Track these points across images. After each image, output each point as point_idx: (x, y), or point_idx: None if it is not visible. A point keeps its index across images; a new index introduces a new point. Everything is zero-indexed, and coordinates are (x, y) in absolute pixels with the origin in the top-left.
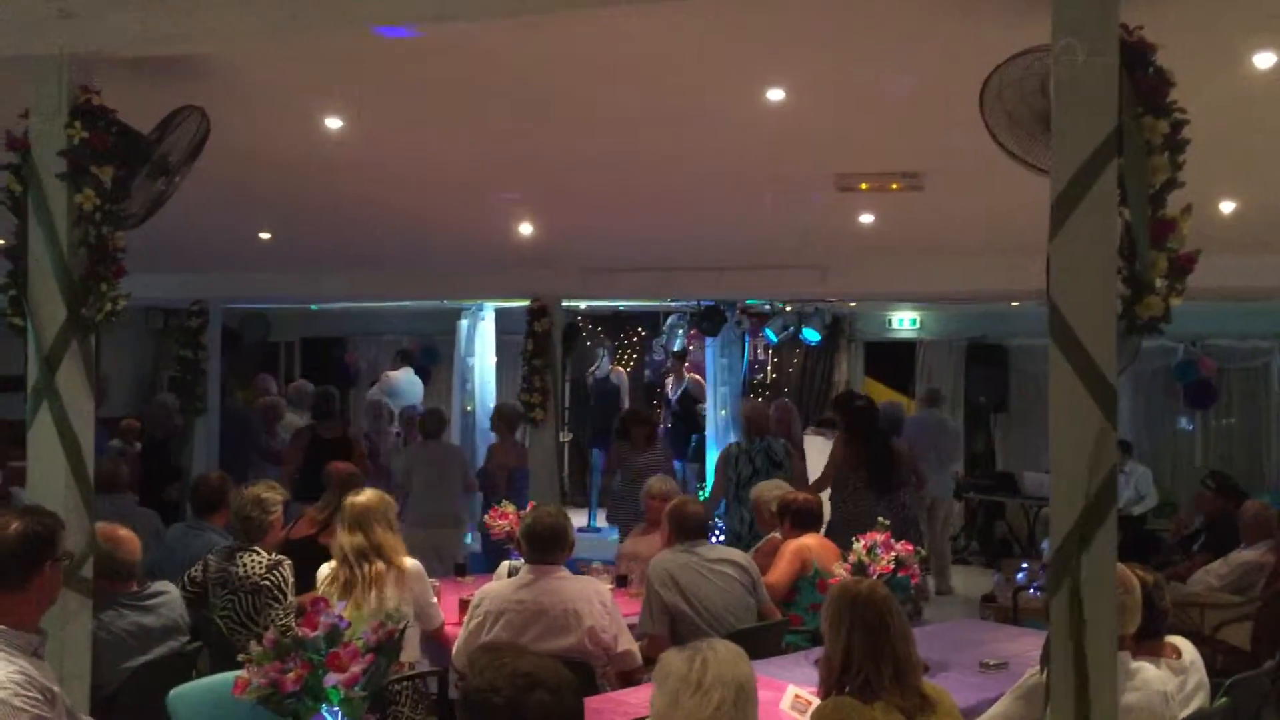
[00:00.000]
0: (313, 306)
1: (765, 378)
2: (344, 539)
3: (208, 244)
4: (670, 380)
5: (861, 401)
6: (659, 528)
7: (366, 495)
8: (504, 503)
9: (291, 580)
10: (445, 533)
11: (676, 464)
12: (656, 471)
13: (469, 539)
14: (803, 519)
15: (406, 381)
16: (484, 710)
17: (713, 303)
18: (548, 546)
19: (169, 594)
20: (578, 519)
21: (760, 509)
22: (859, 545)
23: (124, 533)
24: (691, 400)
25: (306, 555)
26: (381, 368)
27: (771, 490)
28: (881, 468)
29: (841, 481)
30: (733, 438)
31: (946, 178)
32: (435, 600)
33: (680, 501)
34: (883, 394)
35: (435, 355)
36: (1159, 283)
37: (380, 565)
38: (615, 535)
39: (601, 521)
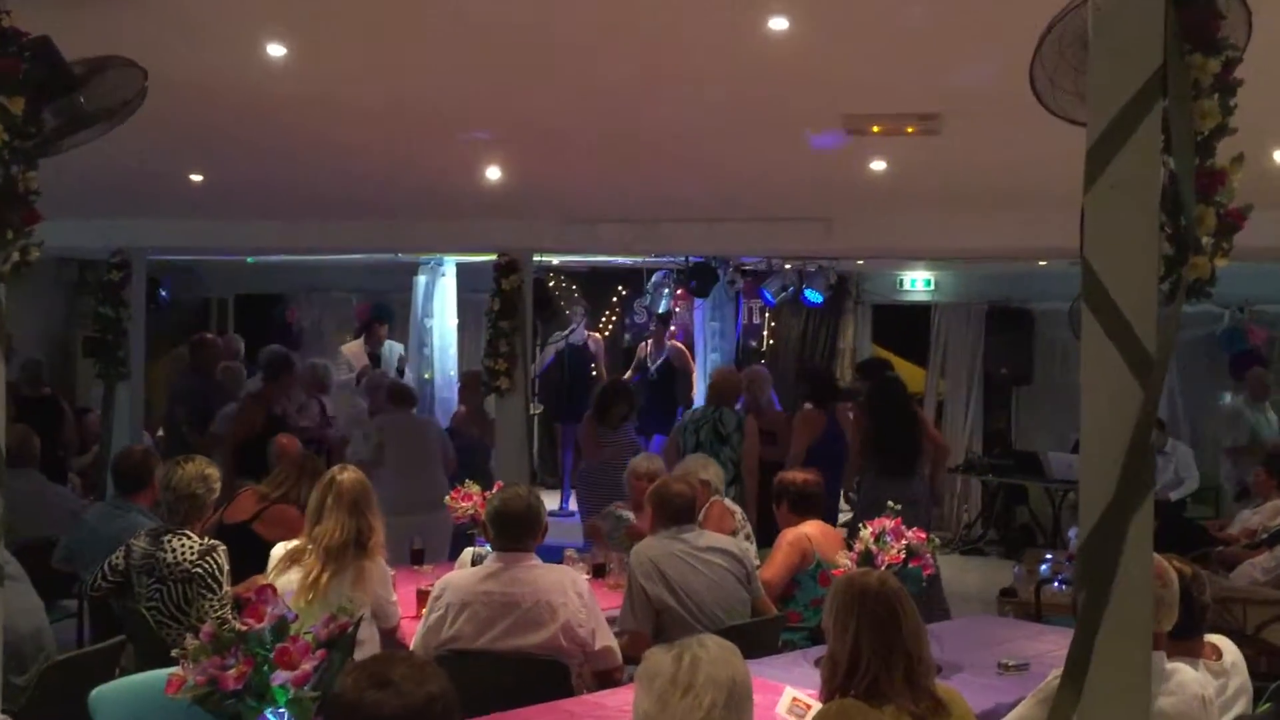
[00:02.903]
0: (249, 259)
1: (761, 344)
2: (339, 522)
3: (131, 186)
4: (649, 346)
5: (891, 371)
6: (643, 511)
7: (353, 474)
8: (467, 482)
9: (226, 568)
10: (427, 519)
11: (657, 439)
12: (622, 455)
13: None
14: (803, 503)
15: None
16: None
17: (704, 259)
18: (517, 531)
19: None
20: (549, 501)
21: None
22: (866, 532)
23: None
24: (673, 370)
25: (240, 543)
26: (327, 328)
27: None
28: (909, 449)
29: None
30: None
31: (967, 121)
32: (394, 598)
33: (664, 482)
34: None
35: (388, 315)
36: (1205, 241)
37: (363, 560)
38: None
39: (574, 505)
